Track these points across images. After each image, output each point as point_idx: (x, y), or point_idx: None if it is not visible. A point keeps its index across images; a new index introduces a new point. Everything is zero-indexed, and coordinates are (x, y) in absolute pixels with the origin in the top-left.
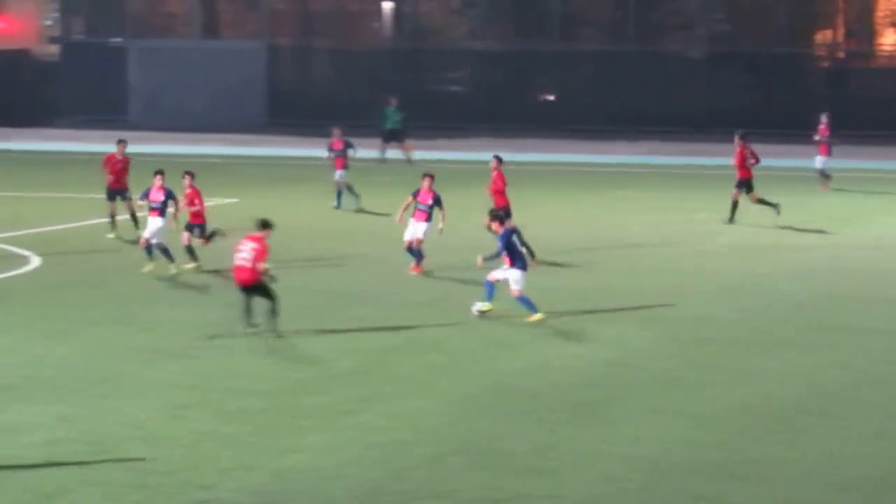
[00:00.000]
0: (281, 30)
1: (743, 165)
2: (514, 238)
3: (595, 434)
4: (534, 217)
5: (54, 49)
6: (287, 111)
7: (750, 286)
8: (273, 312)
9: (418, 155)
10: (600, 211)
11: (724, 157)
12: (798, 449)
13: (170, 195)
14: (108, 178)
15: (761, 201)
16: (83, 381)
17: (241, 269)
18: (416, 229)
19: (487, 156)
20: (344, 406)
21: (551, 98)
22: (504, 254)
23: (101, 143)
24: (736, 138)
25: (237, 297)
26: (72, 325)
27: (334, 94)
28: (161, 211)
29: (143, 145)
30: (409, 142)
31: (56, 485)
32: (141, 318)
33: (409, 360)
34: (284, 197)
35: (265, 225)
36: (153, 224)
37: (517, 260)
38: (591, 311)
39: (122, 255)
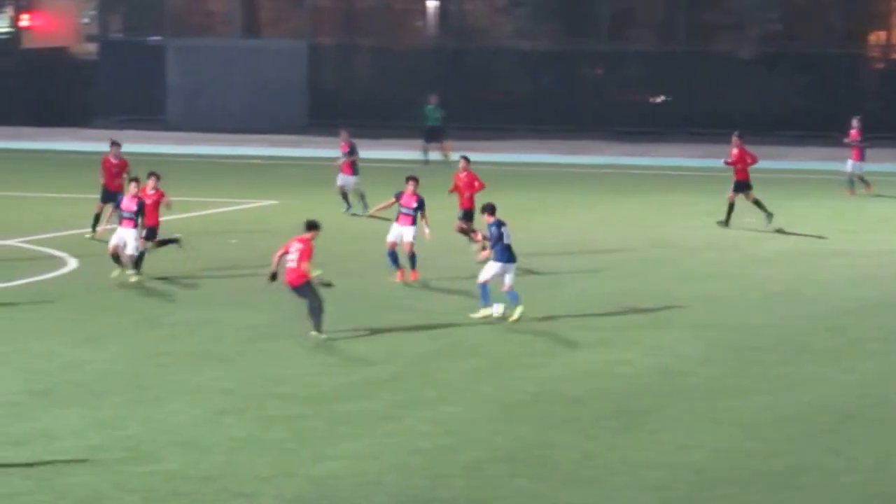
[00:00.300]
0: (323, 28)
1: (741, 166)
2: (504, 230)
3: (640, 442)
4: (581, 221)
5: (91, 48)
6: (328, 111)
7: (803, 292)
8: (314, 311)
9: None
10: (649, 215)
11: (776, 161)
12: (849, 459)
13: (142, 206)
14: (103, 180)
15: (757, 203)
16: (121, 385)
17: (289, 270)
18: (402, 233)
19: (534, 158)
20: (384, 412)
21: (663, 100)
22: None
23: (139, 144)
24: (734, 138)
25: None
26: (109, 329)
27: (376, 94)
28: (134, 221)
29: (181, 146)
30: (448, 142)
31: (92, 491)
32: (180, 321)
33: (449, 365)
34: (325, 199)
35: (312, 226)
36: (125, 234)
37: (504, 253)
38: (638, 317)
39: (158, 256)
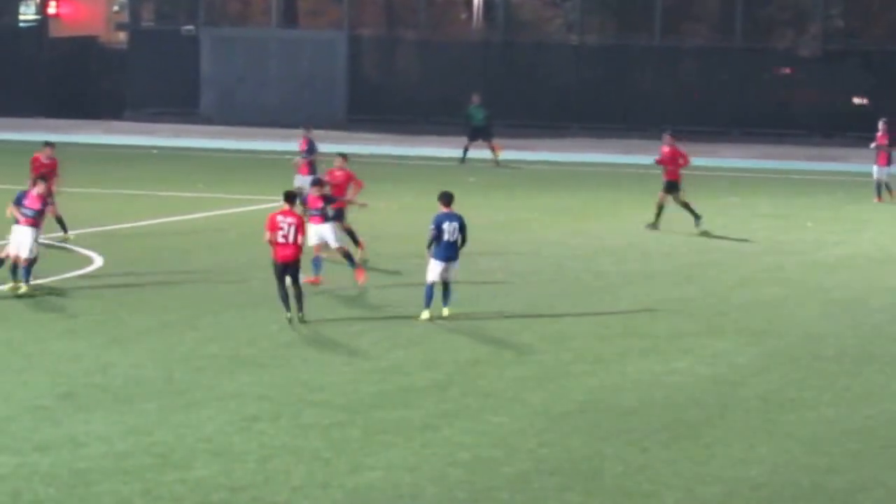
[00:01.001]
0: (364, 19)
1: (671, 167)
2: (446, 226)
3: (694, 455)
4: (633, 223)
5: (122, 37)
6: (368, 106)
7: (867, 300)
8: (300, 295)
9: (510, 155)
10: (705, 217)
11: (838, 163)
12: None
13: (45, 205)
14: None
15: (686, 206)
16: (149, 390)
17: (282, 246)
18: (322, 235)
19: (585, 157)
20: (424, 421)
21: (863, 102)
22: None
23: (172, 138)
24: (666, 136)
25: (275, 280)
26: (138, 331)
27: (419, 88)
28: (35, 221)
29: (214, 140)
30: (497, 141)
31: (118, 499)
32: (212, 323)
33: (493, 373)
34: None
35: (290, 197)
36: (22, 235)
37: (445, 251)
38: (692, 324)
39: (191, 256)
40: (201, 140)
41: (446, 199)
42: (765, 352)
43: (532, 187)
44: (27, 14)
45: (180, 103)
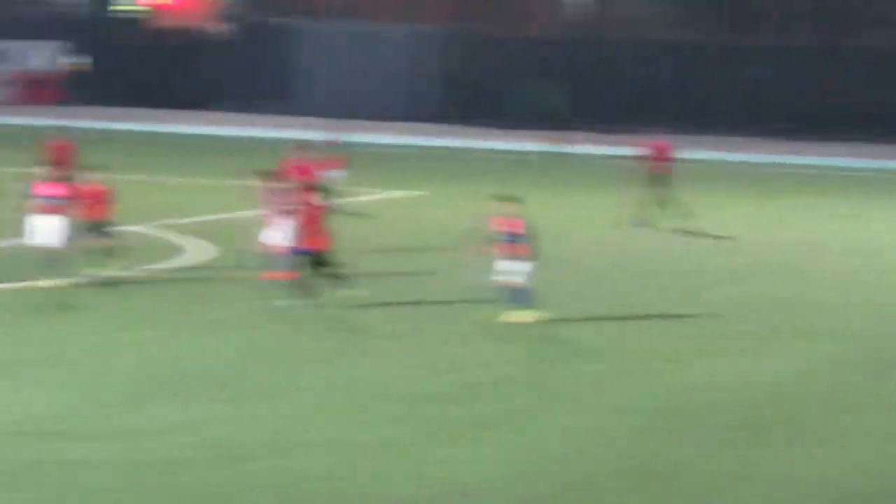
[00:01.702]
0: (461, 14)
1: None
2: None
3: (770, 457)
4: (729, 221)
5: (226, 28)
6: (460, 100)
7: None
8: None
9: (599, 150)
10: (801, 217)
11: None
12: None
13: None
14: None
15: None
16: (227, 381)
17: (311, 236)
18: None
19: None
20: (491, 418)
21: None
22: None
23: (268, 129)
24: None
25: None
26: (220, 322)
27: (510, 84)
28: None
29: (311, 132)
30: (560, 135)
31: (223, 486)
32: (292, 317)
33: (562, 370)
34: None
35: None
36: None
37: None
38: (768, 324)
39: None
40: (297, 131)
41: (510, 200)
42: (853, 353)
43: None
44: (134, 5)
45: (278, 95)
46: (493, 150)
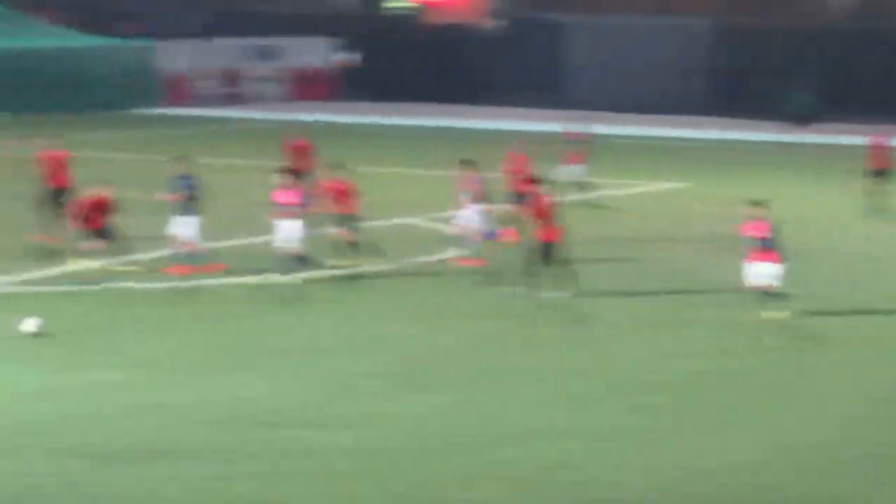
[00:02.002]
0: (736, 7)
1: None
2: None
3: None
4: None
5: (494, 24)
6: (729, 93)
7: None
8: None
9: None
10: None
11: None
12: None
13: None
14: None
15: None
16: (475, 370)
17: (542, 228)
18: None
19: None
20: (757, 403)
21: None
22: None
23: (536, 122)
24: None
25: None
26: (475, 313)
27: (781, 76)
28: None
29: (578, 125)
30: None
31: (460, 474)
32: (521, 306)
33: (820, 356)
34: (729, 181)
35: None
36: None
37: None
38: None
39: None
40: (567, 124)
41: (759, 205)
42: None
43: None
44: (406, 2)
45: (548, 89)
46: (761, 143)
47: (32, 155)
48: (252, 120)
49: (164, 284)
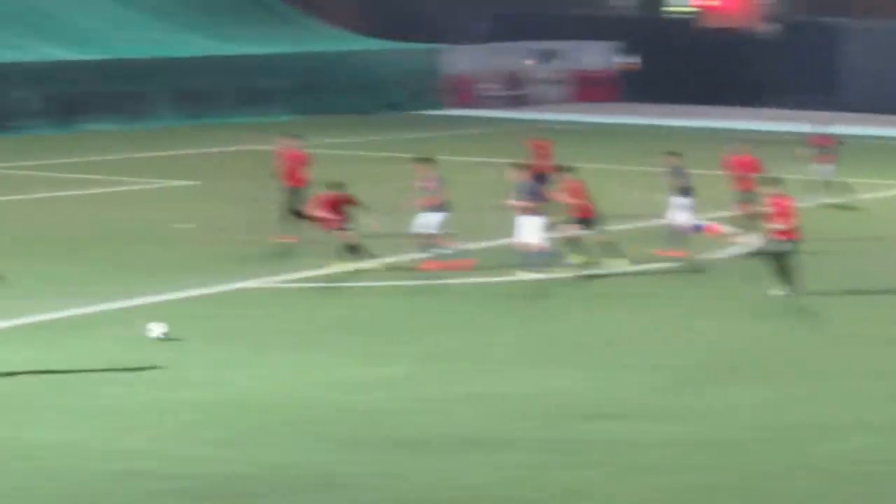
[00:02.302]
0: None
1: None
2: None
3: None
4: None
5: (772, 28)
6: None
7: None
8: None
9: None
10: None
11: None
12: None
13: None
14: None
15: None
16: (770, 364)
17: (777, 230)
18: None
19: None
20: None
21: None
22: None
23: (810, 124)
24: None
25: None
26: (762, 307)
27: None
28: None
29: (855, 127)
30: None
31: (781, 465)
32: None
33: None
34: None
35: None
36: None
37: None
38: None
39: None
40: (840, 127)
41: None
42: None
43: None
44: (682, 7)
45: (822, 91)
46: None
47: (273, 152)
48: (533, 121)
49: (463, 281)
